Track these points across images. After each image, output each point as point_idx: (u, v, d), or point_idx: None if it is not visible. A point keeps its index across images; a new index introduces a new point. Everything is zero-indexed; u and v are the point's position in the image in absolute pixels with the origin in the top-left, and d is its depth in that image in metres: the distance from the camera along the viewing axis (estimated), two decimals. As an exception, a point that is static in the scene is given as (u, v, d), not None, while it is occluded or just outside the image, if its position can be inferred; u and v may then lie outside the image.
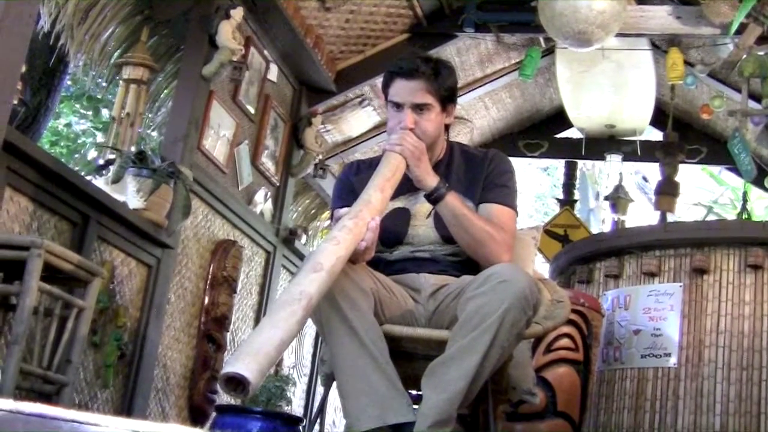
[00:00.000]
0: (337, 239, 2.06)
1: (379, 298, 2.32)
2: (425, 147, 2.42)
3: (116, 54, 4.11)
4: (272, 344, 1.79)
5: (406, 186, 2.43)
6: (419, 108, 2.45)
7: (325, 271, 1.96)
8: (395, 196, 2.42)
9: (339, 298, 2.15)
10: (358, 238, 2.13)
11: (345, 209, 2.24)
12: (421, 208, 2.50)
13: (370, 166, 2.51)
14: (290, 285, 1.98)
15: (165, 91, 4.51)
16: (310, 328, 5.23)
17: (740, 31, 4.68)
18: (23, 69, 3.26)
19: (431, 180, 2.40)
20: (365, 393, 2.11)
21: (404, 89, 2.45)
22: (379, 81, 3.72)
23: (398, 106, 2.46)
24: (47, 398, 2.76)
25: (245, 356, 1.76)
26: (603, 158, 6.97)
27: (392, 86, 2.47)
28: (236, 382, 1.73)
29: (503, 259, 2.37)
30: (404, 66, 2.45)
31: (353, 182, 2.54)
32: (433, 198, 2.39)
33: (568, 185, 7.61)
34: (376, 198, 2.23)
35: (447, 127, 2.58)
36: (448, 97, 2.50)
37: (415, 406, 2.16)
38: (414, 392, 2.35)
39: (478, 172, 2.54)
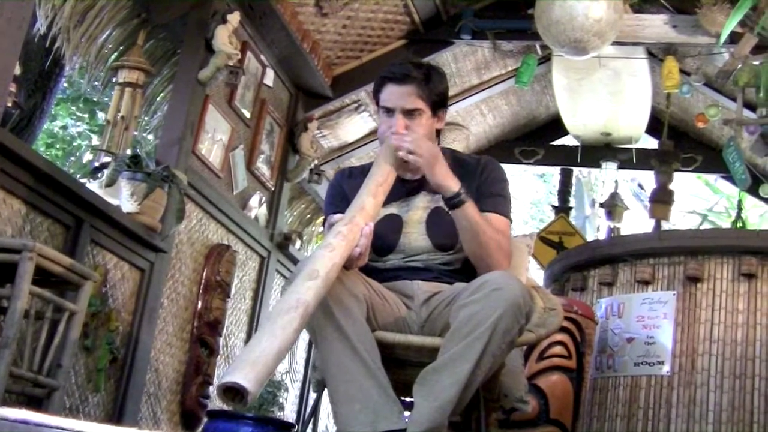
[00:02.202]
0: (332, 246, 2.06)
1: (372, 304, 2.31)
2: (439, 151, 2.41)
3: (112, 57, 4.10)
4: (270, 353, 1.78)
5: (399, 192, 2.43)
6: (410, 113, 2.45)
7: (321, 278, 1.96)
8: (388, 202, 2.42)
9: (332, 304, 2.15)
10: (352, 244, 2.13)
11: (338, 215, 2.24)
12: (414, 215, 2.49)
13: (362, 172, 2.51)
14: (286, 293, 1.98)
15: (161, 94, 4.51)
16: (303, 334, 5.22)
17: (736, 40, 4.69)
18: (17, 71, 3.25)
19: (453, 184, 2.36)
20: (357, 399, 2.10)
21: (395, 94, 2.45)
22: (375, 87, 3.73)
23: (389, 111, 2.47)
24: (37, 402, 2.75)
25: (244, 366, 1.75)
26: (599, 166, 6.97)
27: (383, 91, 2.48)
28: (234, 392, 1.73)
29: (503, 268, 2.37)
30: (396, 71, 2.46)
31: (345, 188, 2.54)
32: (453, 203, 2.37)
33: (564, 192, 7.61)
34: (369, 204, 2.23)
35: (438, 133, 2.58)
36: (439, 103, 2.50)
37: (407, 413, 2.15)
38: (407, 399, 2.34)
39: (470, 179, 2.53)
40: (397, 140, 2.39)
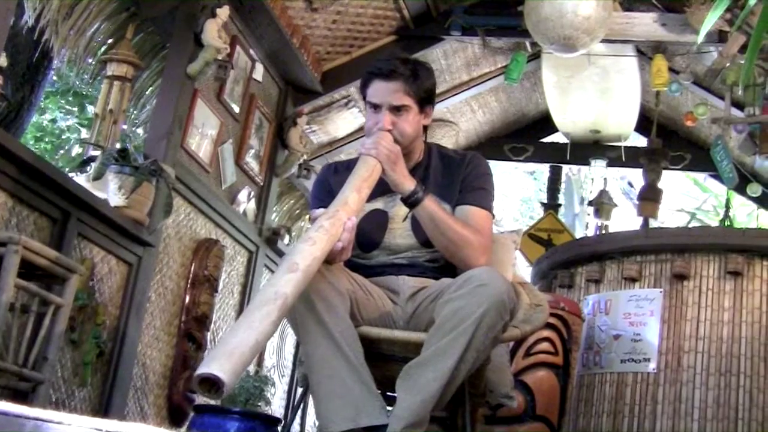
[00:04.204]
0: (313, 239, 2.06)
1: (356, 299, 2.31)
2: (401, 150, 2.42)
3: (101, 50, 4.09)
4: (247, 345, 1.78)
5: (384, 187, 2.43)
6: (397, 109, 2.45)
7: (301, 272, 1.96)
8: (373, 197, 2.42)
9: (315, 299, 2.15)
10: (335, 238, 2.13)
11: (321, 209, 2.24)
12: (399, 210, 2.49)
13: (347, 167, 2.51)
14: (265, 285, 1.98)
15: (150, 88, 4.50)
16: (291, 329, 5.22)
17: (725, 39, 4.71)
18: (4, 63, 3.24)
19: (408, 184, 2.39)
20: (338, 395, 2.10)
21: (382, 90, 2.45)
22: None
23: (376, 107, 2.47)
24: (23, 396, 2.75)
25: (220, 357, 1.75)
26: (588, 163, 6.99)
27: (370, 87, 2.48)
28: (210, 383, 1.73)
29: (480, 262, 2.37)
30: (382, 67, 2.46)
31: (331, 183, 2.55)
32: (410, 202, 2.39)
33: (553, 190, 7.63)
34: (352, 198, 2.23)
35: (425, 129, 2.59)
36: (426, 99, 2.50)
37: (390, 408, 2.16)
38: (392, 394, 2.34)
39: (455, 174, 2.54)
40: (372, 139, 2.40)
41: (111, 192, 3.56)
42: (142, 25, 4.23)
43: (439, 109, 6.24)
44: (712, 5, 4.53)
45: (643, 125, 6.65)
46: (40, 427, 0.95)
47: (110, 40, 4.11)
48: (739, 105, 5.16)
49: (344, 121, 5.83)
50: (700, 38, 3.37)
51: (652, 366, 3.67)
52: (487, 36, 5.40)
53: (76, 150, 8.96)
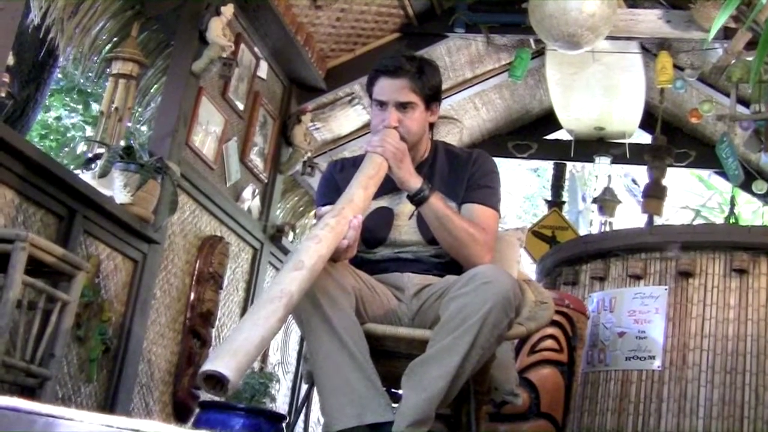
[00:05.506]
0: (319, 237, 2.06)
1: (362, 296, 2.32)
2: (407, 147, 2.43)
3: (106, 48, 4.10)
4: (252, 342, 1.79)
5: (390, 185, 2.43)
6: (403, 106, 2.45)
7: (306, 270, 1.96)
8: (379, 194, 2.42)
9: (320, 296, 2.15)
10: (340, 236, 2.13)
11: (327, 207, 2.24)
12: (404, 208, 2.50)
13: (354, 164, 2.51)
14: (271, 283, 1.99)
15: (155, 86, 4.51)
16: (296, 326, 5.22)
17: (730, 36, 4.70)
18: (11, 62, 3.25)
19: (414, 182, 2.40)
20: (343, 392, 2.11)
21: (388, 87, 2.45)
22: (369, 80, 3.73)
23: (382, 105, 2.47)
24: (30, 392, 2.76)
25: (225, 354, 1.76)
26: (592, 160, 6.99)
27: (376, 84, 2.48)
28: (215, 380, 1.74)
29: (485, 260, 2.37)
30: (388, 64, 2.46)
31: (337, 180, 2.55)
32: (417, 200, 2.39)
33: (557, 187, 7.62)
34: (358, 196, 2.24)
35: (431, 126, 2.59)
36: (432, 96, 2.51)
37: (396, 405, 2.16)
38: (398, 392, 2.35)
39: (461, 172, 2.54)
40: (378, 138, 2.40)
41: (116, 189, 3.57)
42: (147, 23, 4.24)
43: (443, 106, 6.21)
44: (718, 2, 4.54)
45: (648, 122, 6.64)
46: (52, 424, 0.96)
47: (115, 39, 4.12)
48: (744, 102, 5.15)
49: (348, 118, 5.84)
50: (711, 37, 3.36)
51: (657, 363, 3.67)
52: (491, 33, 5.40)
53: (81, 148, 8.97)
